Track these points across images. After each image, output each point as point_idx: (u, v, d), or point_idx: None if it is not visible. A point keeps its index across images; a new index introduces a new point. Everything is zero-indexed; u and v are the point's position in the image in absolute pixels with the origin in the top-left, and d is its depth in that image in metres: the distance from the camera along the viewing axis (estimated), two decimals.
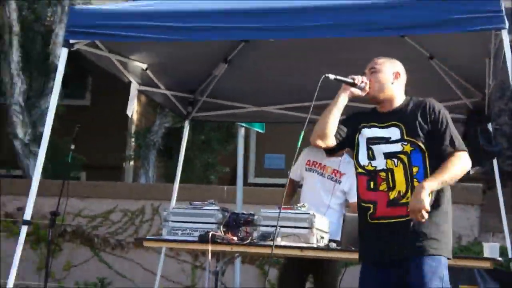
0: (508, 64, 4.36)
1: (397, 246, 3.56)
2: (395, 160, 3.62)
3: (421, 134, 3.62)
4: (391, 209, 3.58)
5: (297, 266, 5.69)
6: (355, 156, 3.77)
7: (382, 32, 4.59)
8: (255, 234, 4.98)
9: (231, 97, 6.86)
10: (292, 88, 6.59)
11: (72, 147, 6.72)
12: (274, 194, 8.03)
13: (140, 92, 6.68)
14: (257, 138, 11.89)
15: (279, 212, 4.68)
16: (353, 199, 5.86)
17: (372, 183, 3.65)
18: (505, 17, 4.29)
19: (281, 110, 6.95)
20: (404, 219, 3.53)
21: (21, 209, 8.26)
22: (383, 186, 3.62)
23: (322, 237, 4.99)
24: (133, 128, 12.20)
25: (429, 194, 3.45)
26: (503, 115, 8.48)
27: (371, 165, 3.68)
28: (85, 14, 5.01)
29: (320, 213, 5.10)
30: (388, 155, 3.64)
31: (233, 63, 6.45)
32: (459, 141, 3.65)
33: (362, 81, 3.69)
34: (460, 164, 3.59)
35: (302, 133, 3.75)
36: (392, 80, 3.75)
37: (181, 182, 6.98)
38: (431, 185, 3.47)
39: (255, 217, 5.05)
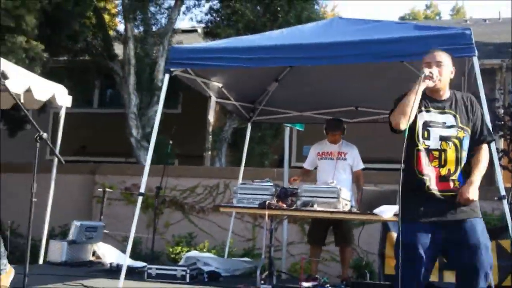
0: (478, 81, 4.32)
1: (448, 212, 3.17)
2: (449, 143, 3.20)
3: (470, 123, 3.26)
4: (442, 184, 3.19)
5: (322, 222, 5.69)
6: (416, 136, 3.22)
7: (389, 59, 4.59)
8: (298, 203, 4.98)
9: (280, 106, 6.84)
10: (323, 99, 6.56)
11: (170, 142, 6.88)
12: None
13: (216, 103, 6.73)
14: (298, 134, 11.71)
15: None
16: (356, 168, 5.85)
17: (427, 159, 3.20)
18: (475, 47, 4.27)
19: (315, 114, 6.90)
20: (453, 193, 3.18)
21: (136, 185, 8.40)
22: (434, 163, 3.19)
23: (346, 204, 4.98)
24: (210, 128, 12.26)
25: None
26: None
27: (424, 144, 3.21)
28: (181, 50, 5.06)
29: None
30: (443, 138, 3.21)
31: (282, 82, 6.46)
32: (489, 131, 3.35)
33: (436, 75, 3.20)
34: (487, 157, 3.30)
35: (406, 133, 3.15)
36: (451, 74, 3.32)
37: (245, 166, 6.94)
38: (477, 182, 3.19)
39: (298, 190, 5.05)
